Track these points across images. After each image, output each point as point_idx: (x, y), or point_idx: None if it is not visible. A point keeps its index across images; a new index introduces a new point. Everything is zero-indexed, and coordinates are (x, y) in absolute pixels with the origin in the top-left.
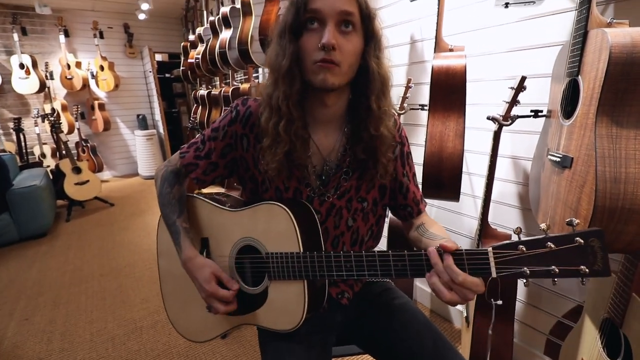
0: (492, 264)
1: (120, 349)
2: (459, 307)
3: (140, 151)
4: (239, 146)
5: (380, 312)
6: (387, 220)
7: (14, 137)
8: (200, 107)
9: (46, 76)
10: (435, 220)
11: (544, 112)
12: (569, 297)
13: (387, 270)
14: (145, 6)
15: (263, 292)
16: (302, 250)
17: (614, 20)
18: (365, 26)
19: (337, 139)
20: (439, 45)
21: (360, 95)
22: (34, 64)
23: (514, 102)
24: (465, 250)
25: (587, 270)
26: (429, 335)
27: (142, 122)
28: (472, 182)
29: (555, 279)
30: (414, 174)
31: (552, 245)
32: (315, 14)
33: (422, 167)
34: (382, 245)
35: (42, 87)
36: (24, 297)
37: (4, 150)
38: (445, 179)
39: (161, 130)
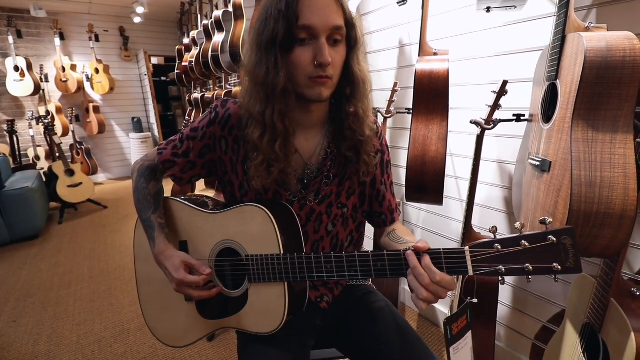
0: (469, 262)
1: (106, 352)
2: (445, 310)
3: (135, 154)
4: (218, 148)
5: (361, 316)
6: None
7: (8, 139)
8: (194, 110)
9: (41, 79)
10: (410, 231)
11: (526, 116)
12: (554, 302)
13: (367, 271)
14: (140, 10)
15: (243, 295)
16: (282, 252)
17: (592, 25)
18: (349, 34)
19: (317, 142)
20: (423, 50)
21: (342, 97)
22: (29, 67)
23: (495, 106)
24: (444, 249)
25: (559, 267)
26: (404, 339)
27: (137, 125)
28: (460, 186)
29: (530, 277)
30: (392, 183)
31: (526, 244)
32: (308, 30)
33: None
34: (369, 247)
35: (37, 89)
36: (13, 299)
37: None
38: (428, 182)
39: (156, 133)
